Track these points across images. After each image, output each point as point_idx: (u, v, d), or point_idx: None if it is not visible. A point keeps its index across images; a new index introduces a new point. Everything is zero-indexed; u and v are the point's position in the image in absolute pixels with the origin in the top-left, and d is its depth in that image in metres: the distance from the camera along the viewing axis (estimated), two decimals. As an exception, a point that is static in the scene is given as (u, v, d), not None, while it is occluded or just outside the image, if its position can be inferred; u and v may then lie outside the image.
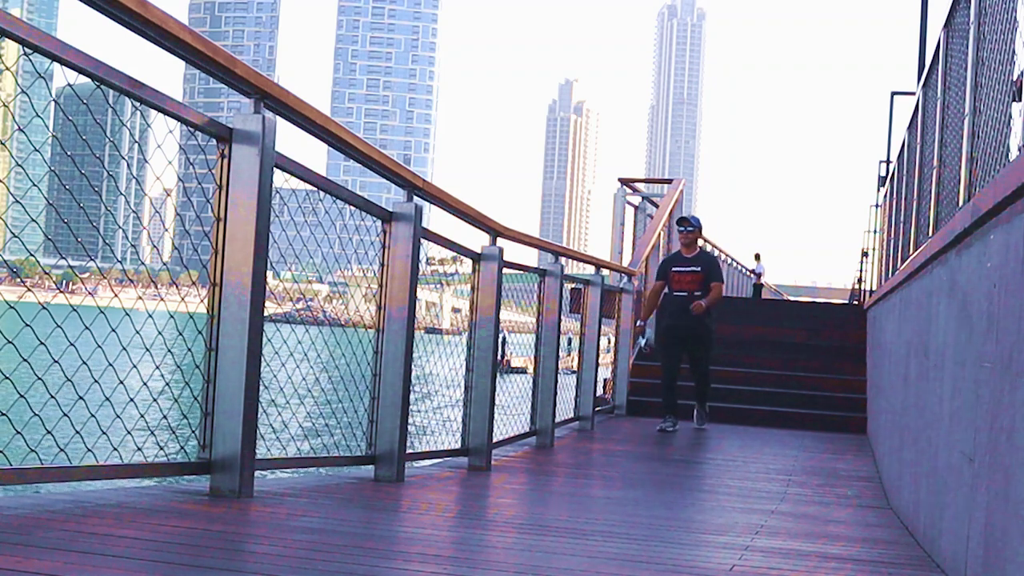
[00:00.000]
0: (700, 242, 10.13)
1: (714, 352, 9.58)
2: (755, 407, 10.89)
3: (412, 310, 4.92)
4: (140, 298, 3.86)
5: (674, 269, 9.40)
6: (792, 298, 40.23)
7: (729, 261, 22.62)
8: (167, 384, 4.04)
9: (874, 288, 12.81)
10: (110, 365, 3.25)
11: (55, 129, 3.89)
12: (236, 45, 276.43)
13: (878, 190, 18.80)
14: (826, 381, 11.61)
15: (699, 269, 9.31)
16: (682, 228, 9.56)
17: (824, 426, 10.60)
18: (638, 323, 9.77)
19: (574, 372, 9.04)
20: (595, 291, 9.07)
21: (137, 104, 3.36)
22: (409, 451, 5.07)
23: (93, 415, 3.25)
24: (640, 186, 13.32)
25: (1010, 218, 2.85)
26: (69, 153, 3.58)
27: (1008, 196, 2.82)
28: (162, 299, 4.01)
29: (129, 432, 3.45)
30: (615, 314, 10.31)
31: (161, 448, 4.12)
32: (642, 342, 9.91)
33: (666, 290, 9.48)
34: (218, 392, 3.70)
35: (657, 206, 12.85)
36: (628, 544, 3.97)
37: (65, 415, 3.07)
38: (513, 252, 6.55)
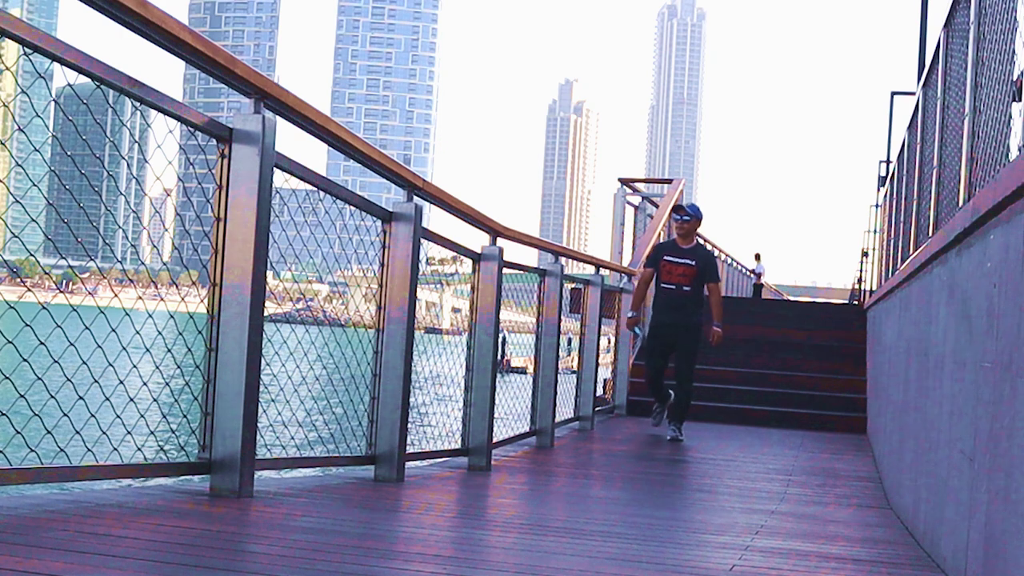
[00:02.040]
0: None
1: (700, 350, 8.79)
2: (755, 407, 10.89)
3: (412, 310, 4.92)
4: (140, 298, 3.86)
5: (666, 258, 8.59)
6: (792, 298, 40.23)
7: (729, 261, 22.62)
8: (167, 384, 4.04)
9: (874, 288, 12.81)
10: (110, 365, 3.25)
11: (55, 129, 3.89)
12: (236, 45, 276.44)
13: (878, 190, 18.80)
14: (826, 381, 11.61)
15: (693, 263, 8.50)
16: (678, 217, 8.70)
17: (824, 426, 10.61)
18: (631, 314, 8.92)
19: (574, 372, 9.03)
20: (595, 291, 9.07)
21: (137, 104, 3.36)
22: (409, 451, 5.07)
23: (93, 415, 3.25)
24: (640, 186, 13.32)
25: (1010, 218, 2.85)
26: (69, 153, 3.58)
27: (1008, 196, 2.82)
28: (162, 299, 4.01)
29: (129, 432, 3.45)
30: (615, 314, 10.29)
31: (161, 448, 4.12)
32: (638, 331, 9.26)
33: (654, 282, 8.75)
34: (218, 392, 3.70)
35: (657, 206, 12.85)
36: (628, 544, 3.97)
37: (65, 415, 3.08)
38: (513, 252, 6.56)
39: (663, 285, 8.59)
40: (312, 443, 5.06)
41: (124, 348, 3.33)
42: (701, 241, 9.33)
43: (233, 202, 3.73)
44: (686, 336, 8.51)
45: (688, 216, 8.63)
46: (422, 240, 5.06)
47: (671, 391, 8.78)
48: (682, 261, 8.53)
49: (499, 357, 6.22)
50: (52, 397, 3.04)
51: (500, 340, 6.32)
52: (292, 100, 3.92)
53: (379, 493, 4.60)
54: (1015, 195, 2.76)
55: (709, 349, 9.59)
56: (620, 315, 10.39)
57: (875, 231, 15.40)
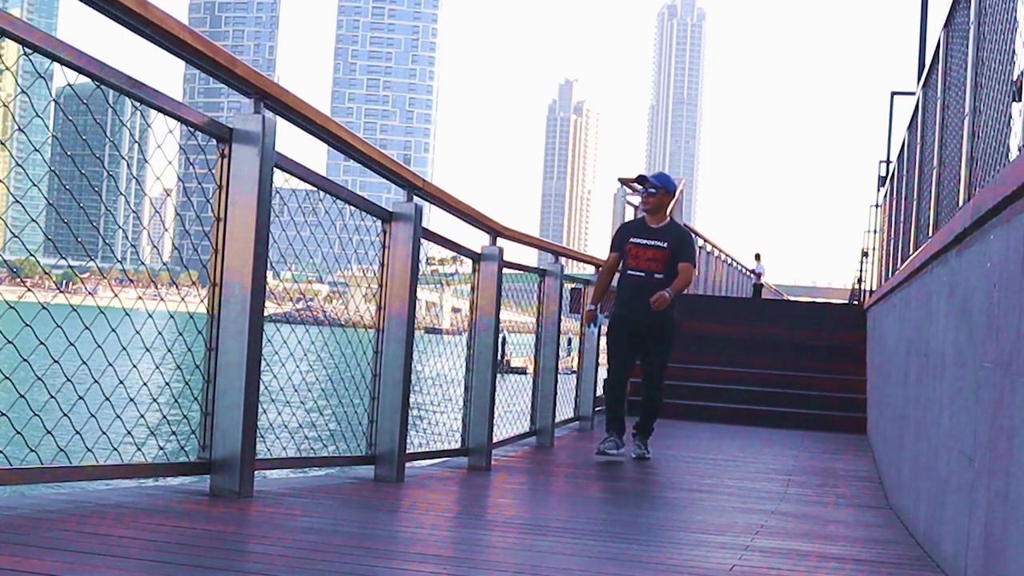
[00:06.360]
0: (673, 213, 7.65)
1: (674, 351, 7.38)
2: (755, 407, 10.89)
3: (412, 310, 4.92)
4: (140, 298, 3.87)
5: (633, 240, 7.04)
6: (792, 298, 40.23)
7: (729, 261, 22.62)
8: (167, 384, 4.04)
9: (874, 288, 12.81)
10: (110, 365, 3.25)
11: (55, 129, 3.89)
12: (236, 45, 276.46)
13: (878, 190, 18.81)
14: (826, 381, 11.61)
15: (665, 245, 6.94)
16: (642, 189, 7.11)
17: (824, 426, 10.61)
18: (588, 307, 7.39)
19: (574, 372, 9.03)
20: (595, 291, 9.06)
21: (137, 104, 3.36)
22: (409, 451, 5.07)
23: (93, 415, 3.25)
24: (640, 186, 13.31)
25: (1010, 218, 2.85)
26: (69, 153, 3.58)
27: (1008, 196, 2.82)
28: (162, 299, 4.01)
29: (129, 432, 3.46)
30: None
31: (161, 448, 4.12)
32: (593, 329, 7.70)
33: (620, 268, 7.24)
34: (218, 392, 3.70)
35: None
36: (628, 544, 3.97)
37: (65, 415, 3.08)
38: (513, 252, 6.55)
39: (629, 272, 7.04)
40: (312, 443, 5.06)
41: (124, 348, 3.33)
42: (676, 220, 7.55)
43: (233, 202, 3.73)
44: (658, 335, 7.04)
45: (654, 188, 7.01)
46: (422, 240, 5.06)
47: (639, 408, 7.32)
48: (651, 243, 6.98)
49: (499, 357, 6.22)
50: (52, 397, 3.04)
51: (500, 340, 6.32)
52: (292, 100, 3.92)
53: (379, 493, 4.60)
54: (1015, 195, 2.76)
55: (706, 348, 9.47)
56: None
57: (875, 231, 15.40)
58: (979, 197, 3.32)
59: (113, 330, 3.43)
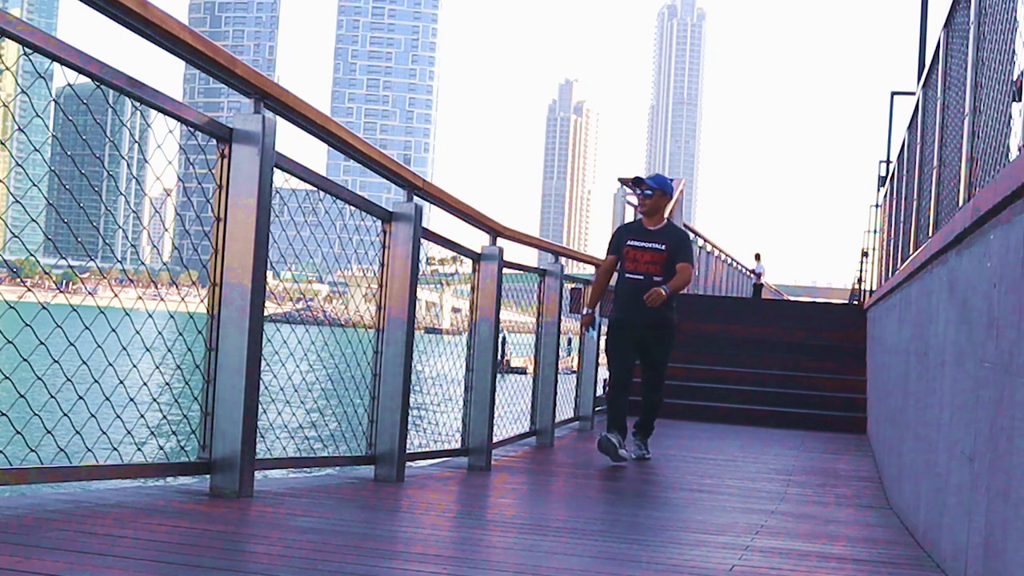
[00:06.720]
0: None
1: (673, 351, 7.28)
2: (755, 407, 10.89)
3: (412, 310, 4.92)
4: (140, 298, 3.87)
5: (630, 243, 6.98)
6: (792, 298, 40.23)
7: (729, 261, 22.62)
8: (167, 384, 4.04)
9: (874, 288, 12.81)
10: (110, 365, 3.25)
11: (55, 129, 3.89)
12: (236, 45, 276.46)
13: (878, 190, 18.81)
14: (826, 381, 11.62)
15: (662, 247, 6.88)
16: (639, 191, 7.06)
17: (824, 426, 10.61)
18: (585, 311, 7.43)
19: (574, 372, 9.03)
20: (595, 291, 9.05)
21: (137, 104, 3.36)
22: (409, 451, 5.07)
23: (93, 415, 3.26)
24: (640, 186, 13.30)
25: (1010, 218, 2.85)
26: (69, 153, 3.58)
27: (1008, 196, 2.82)
28: (162, 299, 4.02)
29: (129, 432, 3.46)
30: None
31: (161, 448, 4.12)
32: (592, 333, 7.80)
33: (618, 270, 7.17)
34: (218, 392, 3.70)
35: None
36: (628, 544, 3.97)
37: (65, 415, 3.08)
38: (513, 252, 6.55)
39: (628, 275, 6.99)
40: (312, 443, 5.06)
41: (124, 348, 3.33)
42: (675, 222, 7.63)
43: (233, 202, 3.73)
44: (658, 336, 7.00)
45: (650, 190, 6.98)
46: (422, 240, 5.06)
47: (640, 407, 7.26)
48: (649, 246, 6.93)
49: (499, 357, 6.22)
50: (52, 397, 3.04)
51: (500, 340, 6.32)
52: (292, 100, 3.92)
53: (379, 493, 4.60)
54: (1015, 195, 2.76)
55: (706, 348, 9.47)
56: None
57: (875, 231, 15.39)
58: (979, 197, 3.32)
59: (113, 330, 3.43)
